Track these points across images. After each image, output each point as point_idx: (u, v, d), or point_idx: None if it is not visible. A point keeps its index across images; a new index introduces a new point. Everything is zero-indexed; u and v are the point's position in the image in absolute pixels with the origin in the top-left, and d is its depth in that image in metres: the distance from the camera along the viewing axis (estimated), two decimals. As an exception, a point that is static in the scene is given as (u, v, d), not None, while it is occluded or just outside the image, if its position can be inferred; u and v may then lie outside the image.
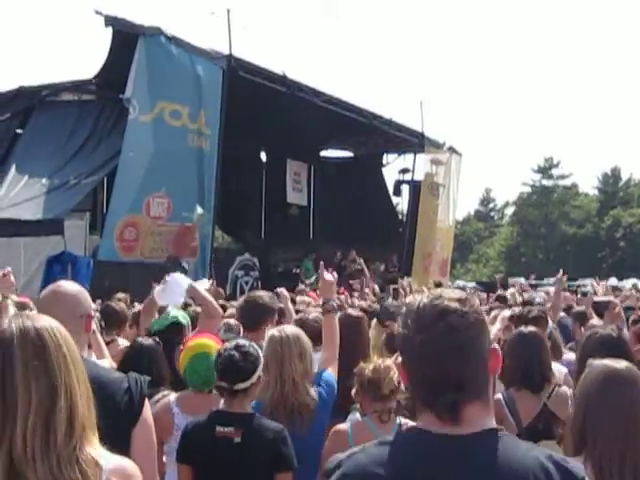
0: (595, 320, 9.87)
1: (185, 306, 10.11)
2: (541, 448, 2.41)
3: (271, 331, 5.62)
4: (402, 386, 5.20)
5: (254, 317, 6.94)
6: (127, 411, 3.82)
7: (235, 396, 4.81)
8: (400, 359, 2.57)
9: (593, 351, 5.69)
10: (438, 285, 20.85)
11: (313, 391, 5.33)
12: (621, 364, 3.87)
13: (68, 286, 4.20)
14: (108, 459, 2.66)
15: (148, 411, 3.90)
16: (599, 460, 3.61)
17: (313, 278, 22.62)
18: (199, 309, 8.50)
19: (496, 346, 2.51)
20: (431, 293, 2.51)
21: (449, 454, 2.33)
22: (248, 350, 4.89)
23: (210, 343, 5.70)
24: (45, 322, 2.72)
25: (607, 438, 3.63)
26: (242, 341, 5.07)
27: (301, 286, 19.15)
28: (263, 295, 7.49)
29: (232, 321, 8.14)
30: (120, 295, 11.52)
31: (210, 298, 7.09)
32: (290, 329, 5.56)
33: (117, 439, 3.77)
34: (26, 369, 2.56)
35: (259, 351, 5.00)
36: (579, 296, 16.88)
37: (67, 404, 2.59)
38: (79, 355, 2.75)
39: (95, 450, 2.63)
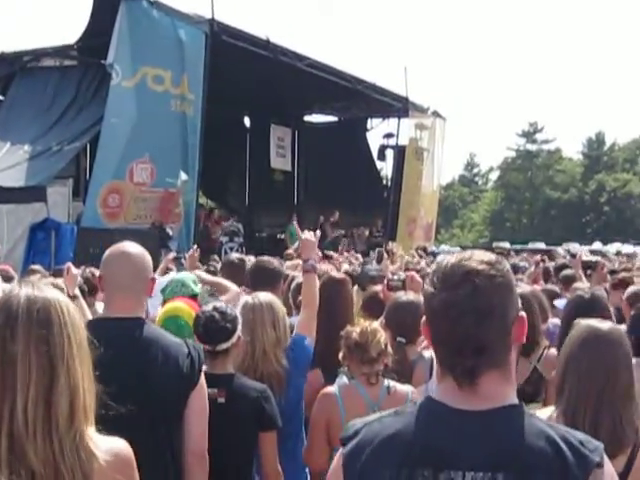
0: (579, 283, 9.90)
1: (167, 272, 10.04)
2: (562, 429, 2.36)
3: (244, 298, 5.63)
4: (389, 349, 5.21)
5: (265, 281, 6.86)
6: (189, 374, 3.93)
7: (217, 357, 4.85)
8: (424, 317, 2.49)
9: (569, 313, 5.76)
10: (422, 250, 20.84)
11: (284, 359, 5.34)
12: (604, 324, 3.93)
13: (134, 247, 4.26)
14: (101, 447, 2.62)
15: (203, 377, 4.02)
16: (573, 407, 3.66)
17: (297, 244, 22.58)
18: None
19: (523, 314, 2.44)
20: (462, 253, 2.47)
21: (463, 432, 2.29)
22: (226, 311, 4.93)
23: (181, 306, 5.71)
24: (54, 297, 2.66)
25: (584, 389, 3.69)
26: (219, 303, 5.13)
27: (288, 250, 19.08)
28: (273, 260, 7.51)
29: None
30: None
31: (216, 279, 7.06)
32: (264, 296, 5.55)
33: (175, 400, 3.85)
34: (28, 343, 2.53)
35: (236, 312, 5.03)
36: (568, 257, 16.98)
37: (67, 384, 2.56)
38: (84, 334, 2.70)
39: (91, 438, 2.60)
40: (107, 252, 4.24)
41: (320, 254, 15.25)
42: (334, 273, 7.58)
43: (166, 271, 9.92)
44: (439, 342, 2.41)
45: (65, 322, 2.61)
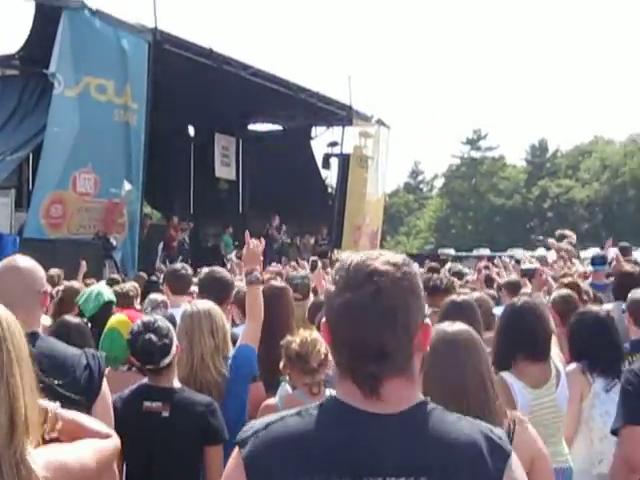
0: (526, 288, 10.02)
1: (112, 283, 10.04)
2: (469, 420, 2.32)
3: (184, 306, 5.63)
4: (330, 357, 5.22)
5: (216, 292, 6.82)
6: (87, 386, 3.80)
7: (160, 373, 4.82)
8: (324, 318, 2.36)
9: (501, 322, 5.81)
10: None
11: (224, 368, 5.32)
12: (453, 327, 3.93)
13: (24, 261, 4.10)
14: (39, 462, 2.56)
15: (106, 386, 3.90)
16: None
17: (233, 253, 22.65)
18: (127, 286, 8.48)
19: (428, 321, 2.33)
20: (368, 253, 2.34)
21: (377, 435, 2.19)
22: (158, 326, 4.87)
23: (122, 319, 5.69)
24: None
25: (441, 400, 3.73)
26: (147, 318, 5.06)
27: (231, 261, 19.03)
28: (224, 270, 7.53)
29: (159, 297, 8.11)
30: (53, 271, 11.35)
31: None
32: (202, 304, 5.53)
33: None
34: None
35: (167, 322, 5.00)
36: (513, 263, 17.15)
37: (7, 400, 2.50)
38: (25, 347, 2.66)
39: (29, 453, 2.54)
40: None
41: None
42: (274, 282, 7.61)
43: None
44: (339, 344, 2.29)
45: (4, 337, 2.57)
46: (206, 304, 5.54)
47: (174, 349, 4.85)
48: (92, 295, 7.13)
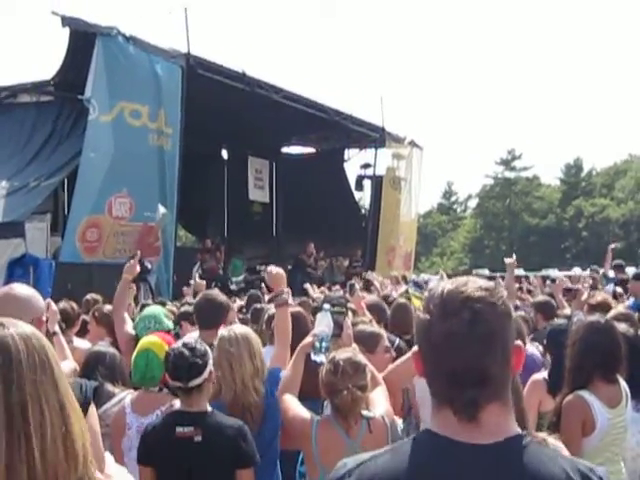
0: (568, 310, 9.95)
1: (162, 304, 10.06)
2: (568, 458, 2.30)
3: (220, 331, 5.66)
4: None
5: (210, 316, 6.88)
6: None
7: (191, 394, 4.85)
8: (416, 347, 2.38)
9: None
10: (403, 278, 20.85)
11: (263, 390, 5.39)
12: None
13: (20, 289, 4.14)
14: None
15: (93, 417, 3.79)
16: None
17: (241, 277, 22.78)
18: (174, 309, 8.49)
19: (520, 343, 2.33)
20: (457, 280, 2.34)
21: (474, 467, 2.15)
22: (195, 346, 4.95)
23: (154, 341, 5.70)
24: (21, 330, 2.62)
25: None
26: (188, 339, 5.16)
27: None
28: (219, 294, 7.48)
29: None
30: (89, 296, 11.40)
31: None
32: (239, 328, 5.63)
33: None
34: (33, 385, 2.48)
35: (206, 347, 5.05)
36: (548, 282, 17.05)
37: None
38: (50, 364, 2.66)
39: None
40: None
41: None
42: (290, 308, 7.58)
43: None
44: (437, 373, 2.29)
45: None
46: (242, 328, 5.61)
47: (207, 373, 4.88)
48: (151, 324, 7.07)
